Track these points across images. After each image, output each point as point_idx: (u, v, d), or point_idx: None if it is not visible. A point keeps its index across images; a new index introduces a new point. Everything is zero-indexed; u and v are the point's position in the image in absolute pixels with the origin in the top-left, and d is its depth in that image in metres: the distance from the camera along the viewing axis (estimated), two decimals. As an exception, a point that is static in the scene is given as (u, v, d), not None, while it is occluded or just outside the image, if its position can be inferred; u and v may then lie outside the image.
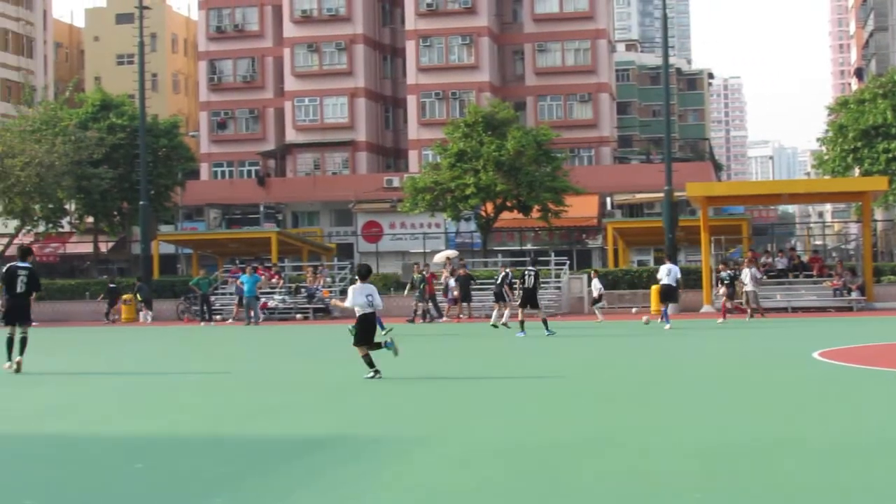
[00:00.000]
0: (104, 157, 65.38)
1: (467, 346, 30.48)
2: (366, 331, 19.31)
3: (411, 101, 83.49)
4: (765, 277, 47.87)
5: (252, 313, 47.81)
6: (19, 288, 22.01)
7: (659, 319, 37.61)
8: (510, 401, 16.16)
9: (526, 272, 33.52)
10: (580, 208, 69.20)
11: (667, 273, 37.30)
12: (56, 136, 63.65)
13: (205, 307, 50.71)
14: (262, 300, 50.75)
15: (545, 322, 32.98)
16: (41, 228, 68.88)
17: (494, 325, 38.36)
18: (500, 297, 40.73)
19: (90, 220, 70.58)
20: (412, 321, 46.00)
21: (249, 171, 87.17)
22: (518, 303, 34.12)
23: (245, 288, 48.13)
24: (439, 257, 57.43)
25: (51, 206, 65.57)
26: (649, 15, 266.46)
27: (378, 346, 19.39)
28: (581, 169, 74.54)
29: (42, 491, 10.00)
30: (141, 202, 57.68)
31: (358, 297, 19.21)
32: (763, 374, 19.58)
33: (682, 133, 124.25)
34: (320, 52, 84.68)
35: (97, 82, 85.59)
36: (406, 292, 49.35)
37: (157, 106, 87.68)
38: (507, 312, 38.65)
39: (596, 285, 44.23)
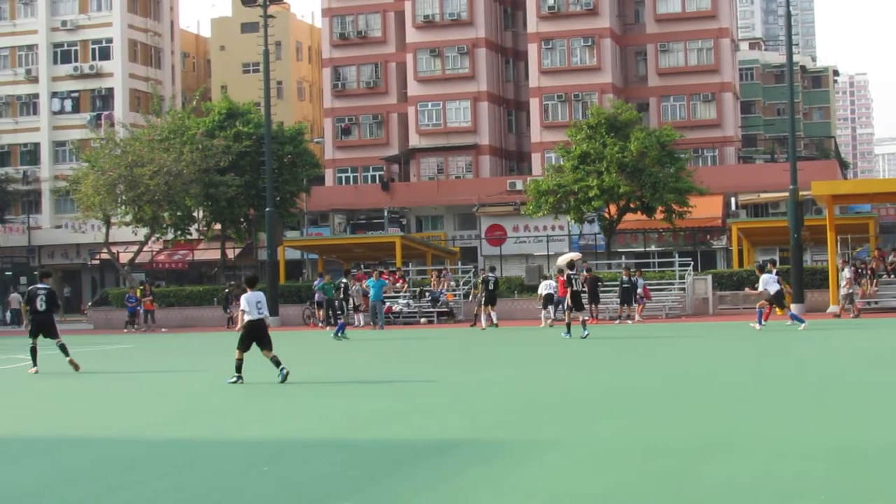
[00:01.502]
0: (231, 164, 66.05)
1: (591, 348, 30.36)
2: (250, 336, 20.77)
3: (534, 104, 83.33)
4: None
5: (378, 316, 48.30)
6: (40, 306, 24.60)
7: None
8: (632, 403, 16.09)
9: (572, 275, 34.87)
10: (704, 209, 68.48)
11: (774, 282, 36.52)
12: (184, 144, 64.52)
13: (330, 312, 51.15)
14: (387, 304, 51.02)
15: (584, 323, 34.43)
16: (170, 236, 69.83)
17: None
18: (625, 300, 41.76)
19: (217, 226, 71.30)
20: (474, 325, 46.52)
21: (373, 177, 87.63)
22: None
23: (371, 292, 48.53)
24: (563, 260, 57.16)
25: (179, 213, 66.38)
26: (773, 13, 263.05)
27: (277, 363, 20.88)
28: (705, 169, 73.78)
29: (174, 495, 10.19)
30: (267, 209, 58.22)
31: (249, 304, 20.77)
32: (891, 374, 19.26)
33: (807, 131, 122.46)
34: (443, 57, 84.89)
35: (223, 91, 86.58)
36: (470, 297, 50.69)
37: (282, 113, 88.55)
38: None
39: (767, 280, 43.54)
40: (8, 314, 74.07)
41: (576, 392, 18.04)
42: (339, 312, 44.35)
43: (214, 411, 17.03)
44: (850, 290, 45.07)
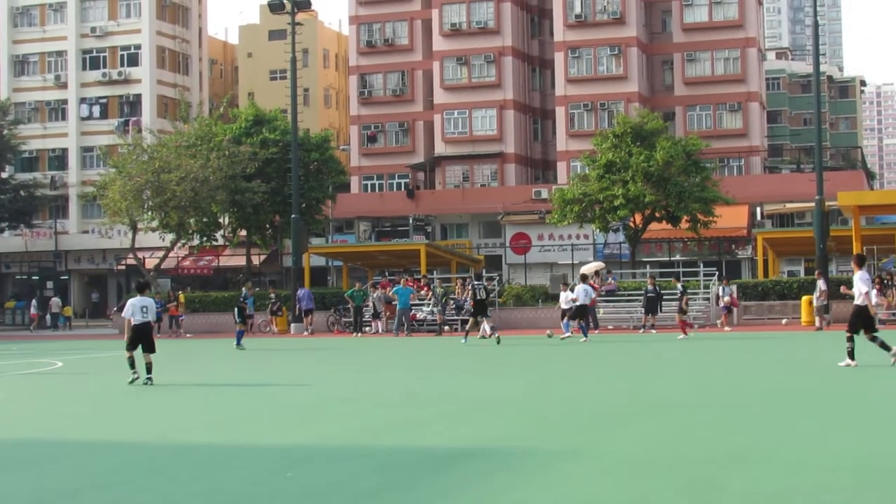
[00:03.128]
0: (257, 171, 66.16)
1: (614, 354, 30.30)
2: (136, 339, 22.80)
3: (560, 113, 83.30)
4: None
5: (405, 322, 48.55)
6: (144, 317, 23.37)
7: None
8: (655, 412, 16.03)
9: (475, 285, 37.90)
10: (729, 219, 68.33)
11: (584, 294, 38.84)
12: (210, 151, 64.62)
13: (357, 319, 51.38)
14: (412, 311, 51.08)
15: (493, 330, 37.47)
16: (196, 242, 70.00)
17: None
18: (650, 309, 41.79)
19: (243, 233, 71.41)
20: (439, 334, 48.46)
21: (399, 184, 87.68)
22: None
23: (399, 300, 48.69)
24: (587, 269, 57.15)
25: (205, 219, 66.52)
26: (800, 22, 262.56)
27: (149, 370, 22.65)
28: (731, 179, 73.62)
29: (199, 499, 10.21)
30: (293, 215, 58.31)
31: (134, 309, 22.72)
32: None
33: (833, 142, 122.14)
34: (469, 65, 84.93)
35: (250, 98, 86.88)
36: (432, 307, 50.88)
37: (308, 120, 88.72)
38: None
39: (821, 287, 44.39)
40: (48, 318, 74.45)
41: (597, 401, 17.99)
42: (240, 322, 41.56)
43: (238, 417, 17.06)
44: (826, 302, 45.07)
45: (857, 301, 23.02)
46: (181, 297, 57.87)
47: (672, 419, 15.20)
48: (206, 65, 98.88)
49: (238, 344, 39.27)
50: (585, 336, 38.32)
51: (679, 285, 43.04)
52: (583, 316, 39.72)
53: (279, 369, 28.40)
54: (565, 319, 40.61)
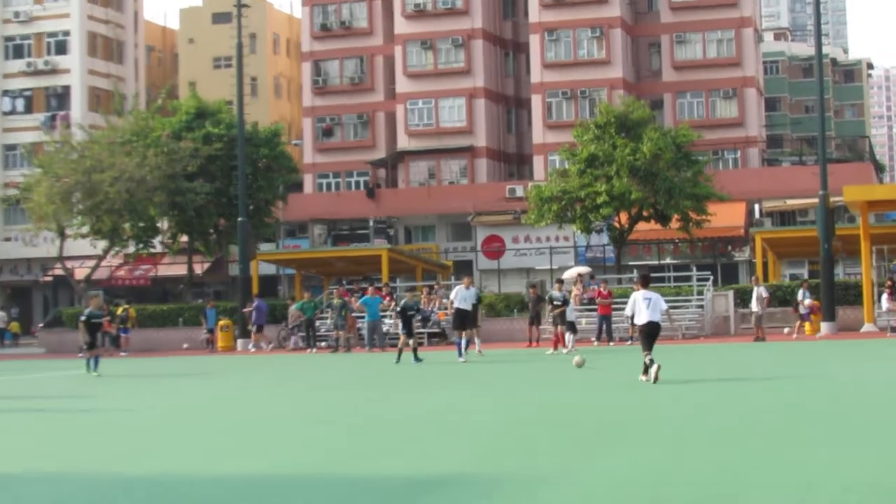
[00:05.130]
0: (199, 169, 66.04)
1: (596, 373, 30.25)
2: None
3: (536, 102, 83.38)
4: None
5: (376, 338, 48.52)
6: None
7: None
8: (649, 431, 15.96)
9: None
10: (725, 217, 68.49)
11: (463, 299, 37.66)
12: (147, 147, 64.48)
13: (310, 333, 51.22)
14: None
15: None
16: (131, 249, 69.81)
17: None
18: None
19: (184, 239, 71.27)
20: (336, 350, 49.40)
21: (358, 183, 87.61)
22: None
23: (368, 311, 48.52)
24: (569, 274, 57.18)
25: (141, 224, 66.40)
26: (800, 0, 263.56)
27: None
28: (726, 173, 73.91)
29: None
30: (239, 219, 58.17)
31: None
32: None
33: (838, 131, 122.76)
34: (435, 50, 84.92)
35: (192, 88, 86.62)
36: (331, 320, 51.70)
37: (256, 113, 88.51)
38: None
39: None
40: None
41: (582, 421, 17.91)
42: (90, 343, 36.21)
43: (187, 445, 16.90)
44: (763, 312, 45.46)
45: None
46: (132, 312, 57.73)
47: (666, 438, 15.11)
48: (143, 52, 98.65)
49: (91, 367, 34.69)
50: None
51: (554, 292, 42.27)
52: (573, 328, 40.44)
53: (225, 393, 28.25)
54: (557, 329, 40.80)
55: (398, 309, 40.49)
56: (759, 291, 45.68)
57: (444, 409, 20.38)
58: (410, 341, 36.72)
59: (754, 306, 45.68)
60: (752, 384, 23.68)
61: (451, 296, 38.13)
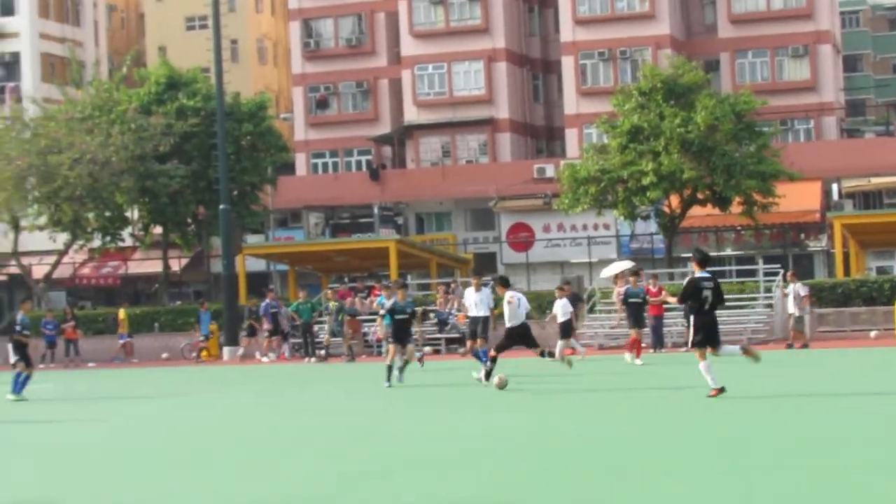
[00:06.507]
0: (173, 149, 66.07)
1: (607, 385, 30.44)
2: None
3: (567, 65, 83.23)
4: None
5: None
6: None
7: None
8: (692, 457, 16.21)
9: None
10: (796, 199, 68.33)
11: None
12: (112, 124, 64.56)
13: (307, 339, 51.23)
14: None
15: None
16: (96, 243, 69.83)
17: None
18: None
19: (157, 230, 71.35)
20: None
21: (359, 163, 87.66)
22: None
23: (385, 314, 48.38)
24: (609, 270, 56.95)
25: (107, 213, 66.45)
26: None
27: None
28: (797, 147, 73.83)
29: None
30: (221, 206, 58.32)
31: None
32: None
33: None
34: (446, 4, 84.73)
35: (161, 54, 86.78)
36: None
37: (238, 82, 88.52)
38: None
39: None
40: None
41: (615, 446, 18.14)
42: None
43: (171, 465, 17.19)
44: (804, 313, 45.54)
45: None
46: (122, 314, 57.92)
47: (715, 465, 15.35)
48: (104, 12, 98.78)
49: (15, 390, 32.56)
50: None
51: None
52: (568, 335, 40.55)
53: (213, 410, 28.51)
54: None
55: (382, 312, 39.38)
56: (796, 289, 45.63)
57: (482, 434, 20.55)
58: (405, 353, 34.12)
59: (790, 307, 45.67)
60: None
61: (465, 301, 37.57)
